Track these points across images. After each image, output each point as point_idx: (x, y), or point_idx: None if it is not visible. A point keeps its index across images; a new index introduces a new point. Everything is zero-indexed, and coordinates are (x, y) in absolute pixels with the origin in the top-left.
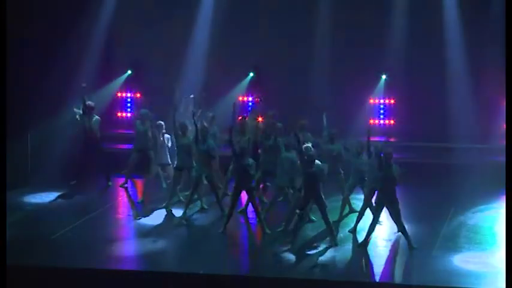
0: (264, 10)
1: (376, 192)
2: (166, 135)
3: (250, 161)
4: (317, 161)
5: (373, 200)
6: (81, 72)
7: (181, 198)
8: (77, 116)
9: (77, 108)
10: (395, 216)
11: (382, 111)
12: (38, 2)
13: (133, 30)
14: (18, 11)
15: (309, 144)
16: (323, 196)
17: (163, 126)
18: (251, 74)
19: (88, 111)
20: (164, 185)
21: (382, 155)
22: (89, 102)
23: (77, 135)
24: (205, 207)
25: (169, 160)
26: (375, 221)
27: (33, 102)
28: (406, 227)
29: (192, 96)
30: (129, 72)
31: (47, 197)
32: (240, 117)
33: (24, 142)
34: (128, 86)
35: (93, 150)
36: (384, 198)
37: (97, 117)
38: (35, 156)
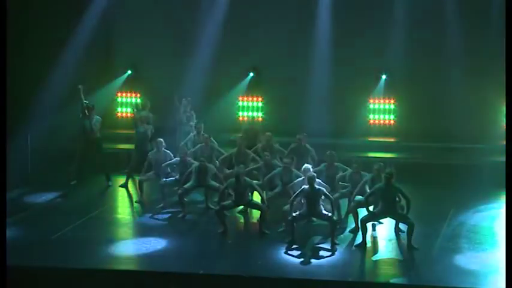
0: (264, 10)
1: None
2: None
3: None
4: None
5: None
6: (81, 72)
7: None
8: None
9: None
10: (401, 220)
11: (382, 111)
12: (38, 2)
13: (133, 30)
14: (19, 11)
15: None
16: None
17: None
18: (251, 74)
19: (88, 111)
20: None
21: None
22: (86, 103)
23: (78, 135)
24: (212, 206)
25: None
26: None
27: (33, 102)
28: (406, 226)
29: (189, 98)
30: (129, 72)
31: (47, 197)
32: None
33: (24, 142)
34: (127, 86)
35: (93, 150)
36: (385, 213)
37: (98, 117)
38: (35, 156)
